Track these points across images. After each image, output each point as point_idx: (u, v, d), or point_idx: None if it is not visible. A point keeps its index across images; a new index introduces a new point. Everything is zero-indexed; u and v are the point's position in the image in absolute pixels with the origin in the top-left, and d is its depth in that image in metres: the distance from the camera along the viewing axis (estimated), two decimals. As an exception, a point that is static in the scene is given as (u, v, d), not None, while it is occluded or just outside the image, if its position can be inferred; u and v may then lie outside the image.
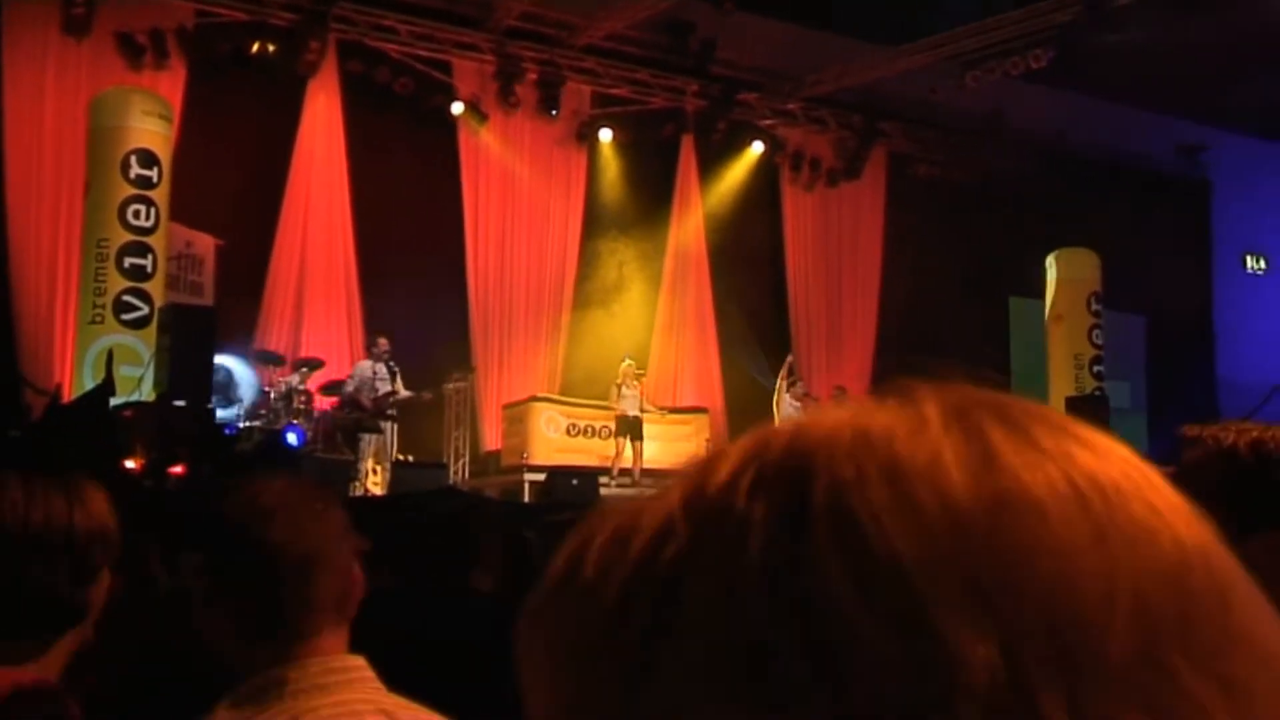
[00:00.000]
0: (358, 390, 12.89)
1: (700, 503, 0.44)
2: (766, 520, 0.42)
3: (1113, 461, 0.43)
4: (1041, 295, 17.89)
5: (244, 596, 1.81)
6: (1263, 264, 22.53)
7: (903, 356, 17.41)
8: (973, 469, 0.42)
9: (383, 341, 13.18)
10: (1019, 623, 0.39)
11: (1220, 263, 21.76)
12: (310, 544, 1.83)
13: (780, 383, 15.71)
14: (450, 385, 13.72)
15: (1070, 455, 0.43)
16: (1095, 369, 17.33)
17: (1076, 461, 0.43)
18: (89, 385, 10.99)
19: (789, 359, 16.15)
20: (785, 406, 15.55)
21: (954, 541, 0.40)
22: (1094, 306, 17.45)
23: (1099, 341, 17.40)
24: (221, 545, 1.86)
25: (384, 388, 12.92)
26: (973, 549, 0.40)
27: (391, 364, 13.05)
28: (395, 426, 13.26)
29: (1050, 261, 17.70)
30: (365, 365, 13.11)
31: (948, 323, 17.50)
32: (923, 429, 0.44)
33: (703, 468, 0.46)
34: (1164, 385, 19.42)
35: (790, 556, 0.41)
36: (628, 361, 15.02)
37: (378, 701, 1.78)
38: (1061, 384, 17.16)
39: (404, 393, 13.09)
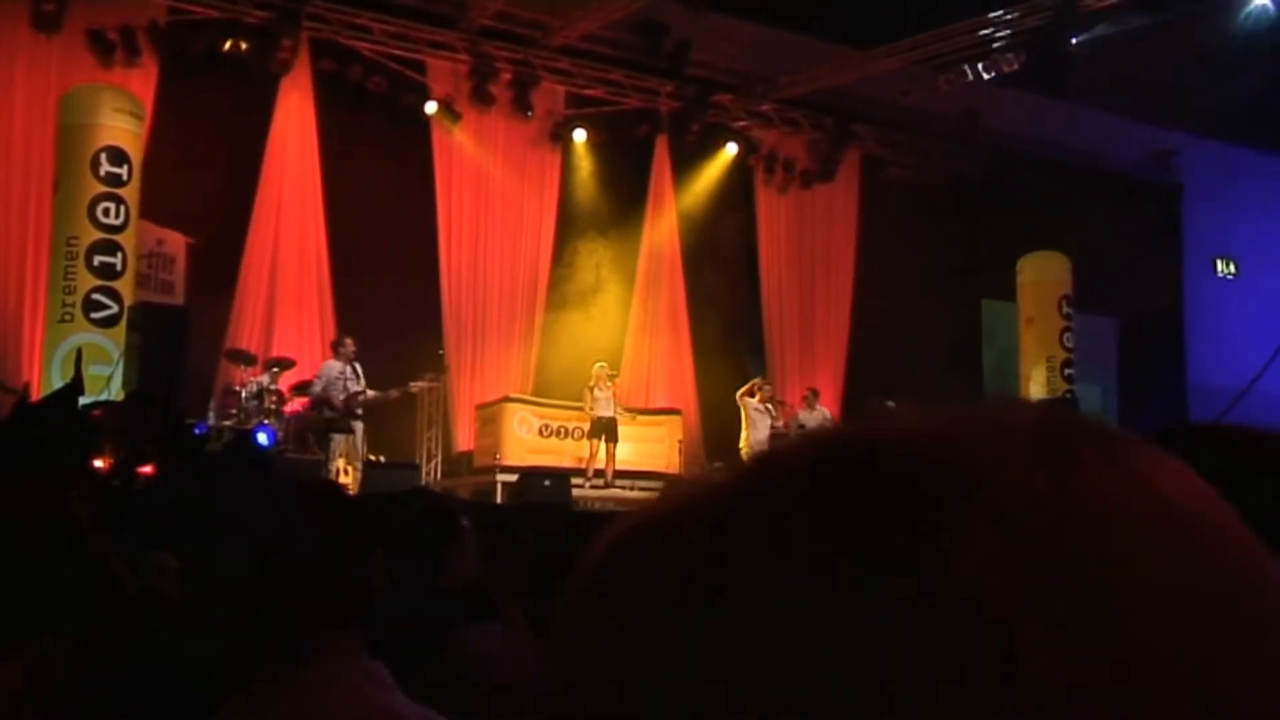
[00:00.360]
0: (326, 390, 12.84)
1: (762, 502, 0.43)
2: (842, 525, 0.41)
3: (1189, 487, 0.44)
4: (1014, 298, 17.98)
5: (257, 599, 1.78)
6: (1233, 268, 22.70)
7: (875, 359, 17.49)
8: (1054, 483, 0.41)
9: (349, 342, 13.15)
10: (1093, 638, 0.38)
11: (1191, 267, 21.90)
12: (323, 544, 1.80)
13: (742, 396, 15.72)
14: (415, 384, 13.66)
15: (1149, 477, 0.43)
16: (1066, 371, 17.44)
17: (1154, 484, 0.43)
18: (57, 384, 10.91)
19: (756, 380, 16.13)
20: (750, 411, 15.57)
21: (1035, 556, 0.39)
22: (1065, 309, 17.56)
23: (1070, 344, 17.52)
24: (235, 547, 1.82)
25: (353, 387, 12.88)
26: (1053, 563, 0.39)
27: (356, 364, 13.02)
28: (363, 427, 13.22)
29: (1022, 265, 17.80)
30: (332, 365, 13.05)
31: (920, 325, 17.57)
32: (1005, 440, 0.43)
33: (759, 466, 0.45)
34: (1135, 388, 19.55)
35: (866, 564, 0.40)
36: (600, 364, 15.03)
37: (392, 707, 1.75)
38: (1033, 386, 17.26)
39: (371, 393, 13.04)
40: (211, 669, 1.91)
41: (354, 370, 12.97)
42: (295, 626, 1.75)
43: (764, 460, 0.45)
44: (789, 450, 0.45)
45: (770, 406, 15.62)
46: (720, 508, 0.43)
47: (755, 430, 15.42)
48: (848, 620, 0.39)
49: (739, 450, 15.54)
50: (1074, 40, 15.46)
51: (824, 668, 0.38)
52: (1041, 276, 17.66)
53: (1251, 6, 15.45)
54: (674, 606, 0.41)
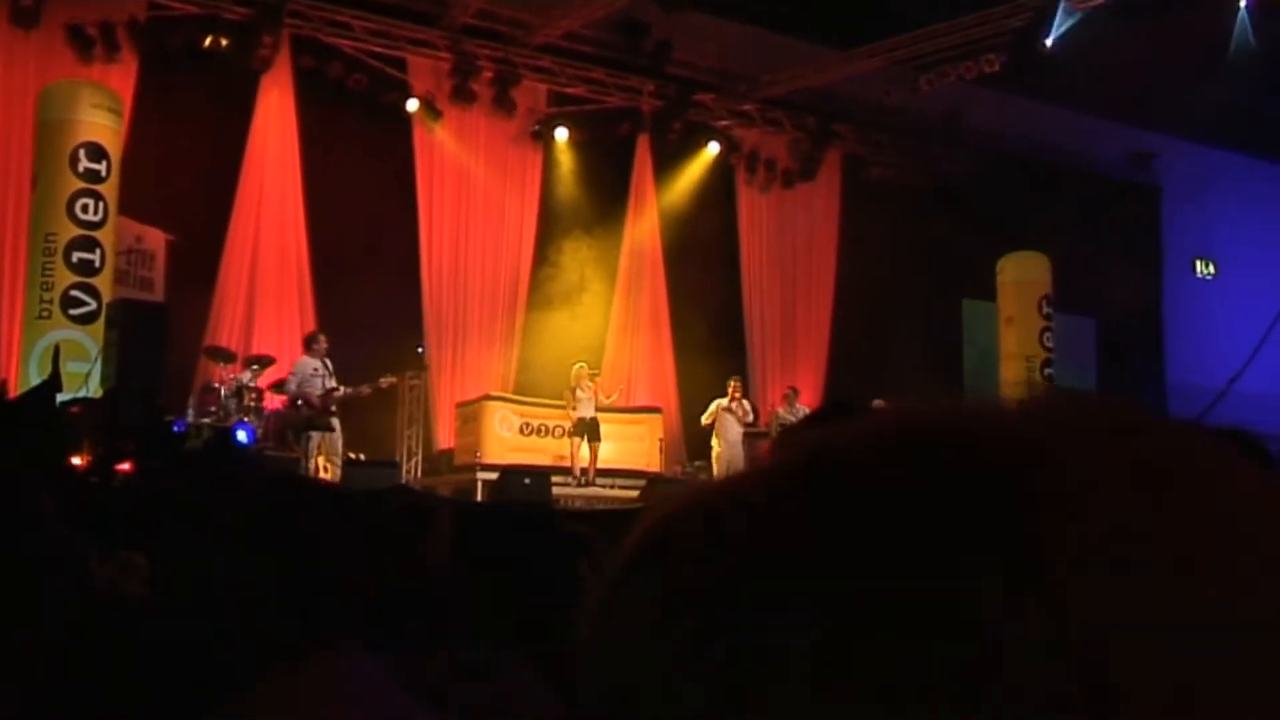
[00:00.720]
0: (302, 387, 12.79)
1: (835, 484, 0.41)
2: (915, 506, 0.39)
3: (1267, 479, 0.42)
4: (994, 298, 18.02)
5: (255, 600, 1.76)
6: (1212, 269, 22.81)
7: (856, 358, 17.51)
8: (1142, 482, 0.40)
9: (322, 338, 13.11)
10: (1193, 647, 0.36)
11: (1170, 267, 21.99)
12: (319, 545, 1.79)
13: (710, 416, 15.55)
14: (385, 379, 13.54)
15: (1237, 474, 0.41)
16: (1046, 371, 17.48)
17: (1247, 482, 0.41)
18: (35, 381, 10.85)
19: (734, 381, 15.92)
20: (721, 411, 15.43)
21: (1121, 545, 0.38)
22: (1045, 309, 17.61)
23: (1050, 344, 17.56)
24: (233, 549, 1.81)
25: (328, 384, 12.85)
26: (1143, 557, 0.38)
27: (328, 360, 12.98)
28: (339, 424, 13.17)
29: (1003, 264, 17.84)
30: (306, 362, 12.99)
31: (901, 324, 17.61)
32: (1077, 424, 0.42)
33: (813, 449, 0.43)
34: (1114, 387, 19.60)
35: (939, 546, 0.38)
36: (579, 365, 15.01)
37: (393, 707, 1.74)
38: (1012, 386, 17.30)
39: (343, 389, 13.00)
40: (204, 669, 1.89)
41: (326, 367, 12.93)
42: (293, 627, 1.74)
43: (817, 443, 0.43)
44: (848, 432, 0.43)
45: (738, 405, 15.44)
46: (781, 490, 0.42)
47: (726, 431, 15.27)
48: (914, 604, 0.37)
49: (711, 451, 15.46)
50: (1053, 41, 15.52)
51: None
52: (1022, 276, 17.70)
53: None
54: (729, 590, 0.40)
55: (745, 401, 15.59)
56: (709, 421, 15.56)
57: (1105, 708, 0.35)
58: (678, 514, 0.44)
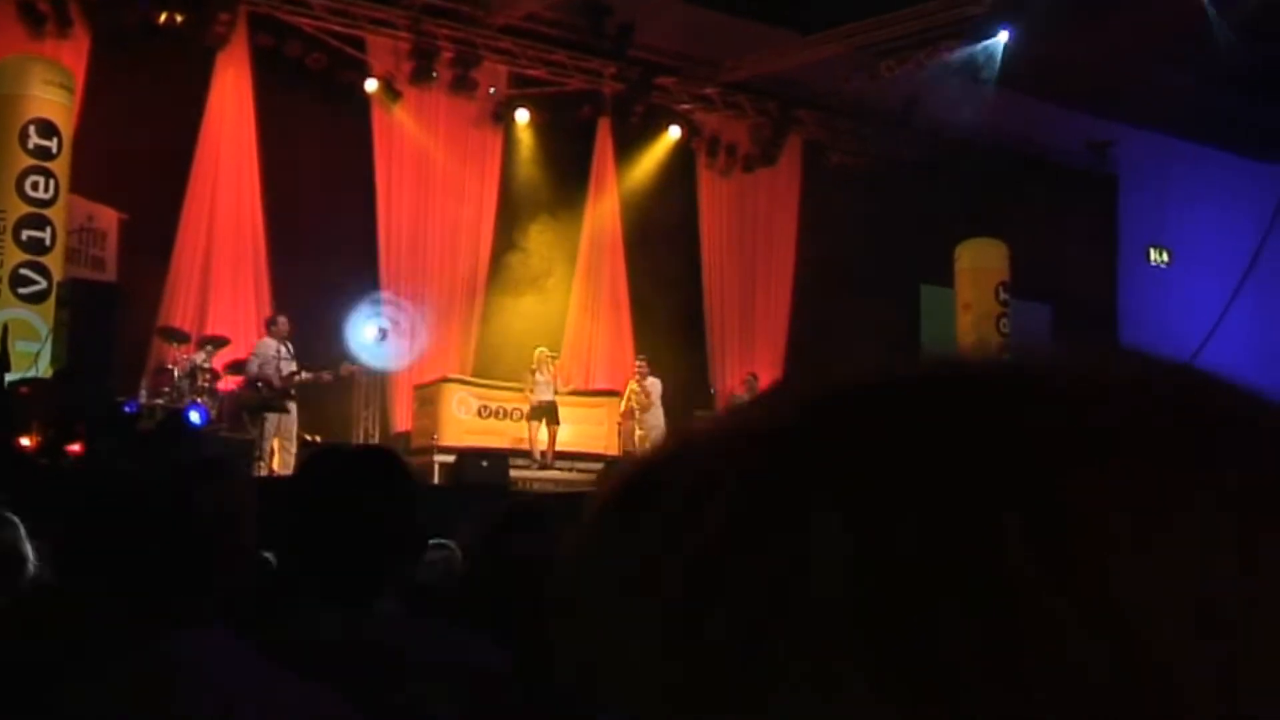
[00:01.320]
0: (263, 368, 12.71)
1: (831, 437, 0.37)
2: (943, 458, 0.35)
3: None
4: (952, 283, 18.14)
5: (122, 570, 1.72)
6: (1166, 257, 23.02)
7: (814, 343, 17.56)
8: (1199, 446, 0.36)
9: (283, 320, 13.04)
10: (1250, 627, 0.33)
11: (1125, 255, 22.19)
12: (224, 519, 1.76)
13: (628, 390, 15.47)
14: (346, 367, 13.45)
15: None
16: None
17: None
18: (-17, 361, 10.71)
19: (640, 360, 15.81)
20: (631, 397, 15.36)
21: (1167, 525, 0.34)
22: (1002, 295, 17.75)
23: (1006, 329, 17.71)
24: (110, 519, 1.77)
25: (288, 367, 12.77)
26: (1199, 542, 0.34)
27: (289, 343, 12.90)
28: (295, 406, 13.09)
29: (960, 251, 17.95)
30: (267, 344, 12.91)
31: (860, 310, 17.66)
32: (1131, 386, 0.39)
33: (803, 398, 0.39)
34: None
35: (974, 504, 0.34)
36: (541, 349, 14.97)
37: (250, 680, 1.70)
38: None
39: (304, 374, 12.93)
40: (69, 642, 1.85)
41: (287, 349, 12.85)
42: (156, 596, 1.71)
43: (802, 393, 0.39)
44: (853, 378, 0.39)
45: (640, 388, 15.26)
46: (775, 437, 0.38)
47: (647, 415, 15.07)
48: (937, 565, 0.33)
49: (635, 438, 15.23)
50: (1013, 29, 15.61)
51: (917, 623, 0.33)
52: (979, 263, 17.83)
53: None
54: (727, 549, 0.36)
55: (651, 380, 15.32)
56: (625, 408, 15.37)
57: (1149, 690, 0.32)
58: (653, 467, 0.40)
